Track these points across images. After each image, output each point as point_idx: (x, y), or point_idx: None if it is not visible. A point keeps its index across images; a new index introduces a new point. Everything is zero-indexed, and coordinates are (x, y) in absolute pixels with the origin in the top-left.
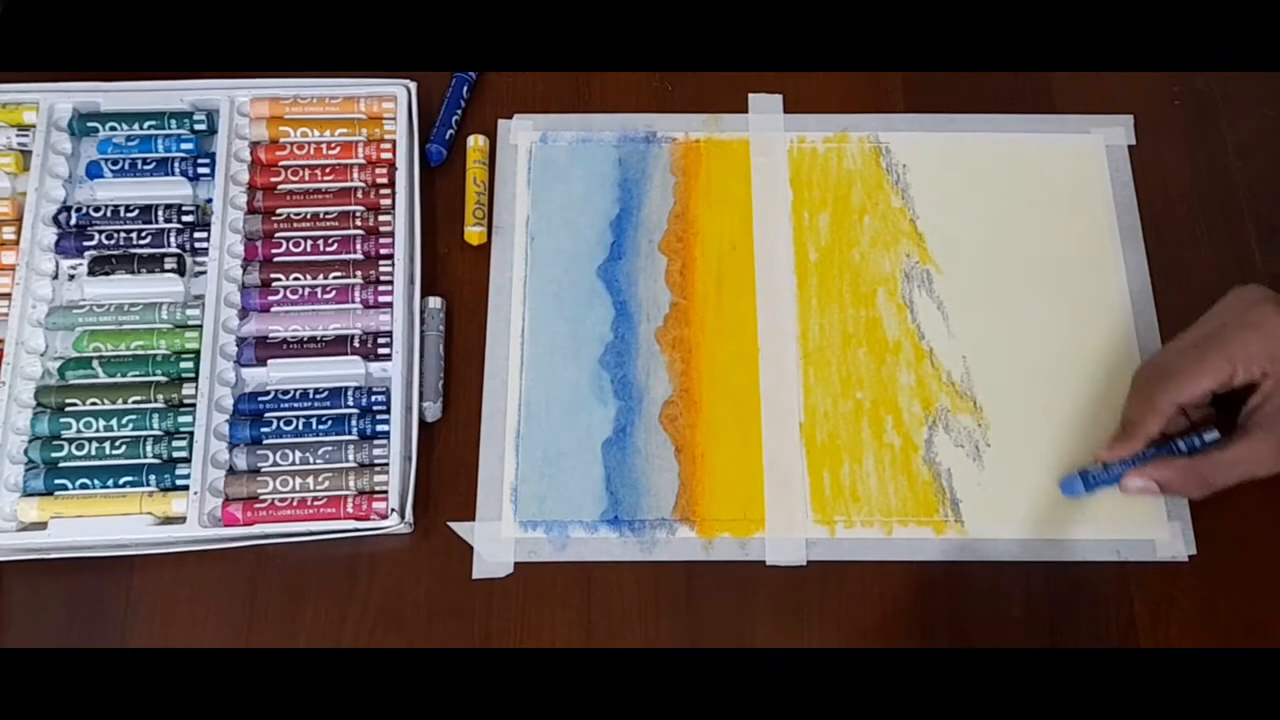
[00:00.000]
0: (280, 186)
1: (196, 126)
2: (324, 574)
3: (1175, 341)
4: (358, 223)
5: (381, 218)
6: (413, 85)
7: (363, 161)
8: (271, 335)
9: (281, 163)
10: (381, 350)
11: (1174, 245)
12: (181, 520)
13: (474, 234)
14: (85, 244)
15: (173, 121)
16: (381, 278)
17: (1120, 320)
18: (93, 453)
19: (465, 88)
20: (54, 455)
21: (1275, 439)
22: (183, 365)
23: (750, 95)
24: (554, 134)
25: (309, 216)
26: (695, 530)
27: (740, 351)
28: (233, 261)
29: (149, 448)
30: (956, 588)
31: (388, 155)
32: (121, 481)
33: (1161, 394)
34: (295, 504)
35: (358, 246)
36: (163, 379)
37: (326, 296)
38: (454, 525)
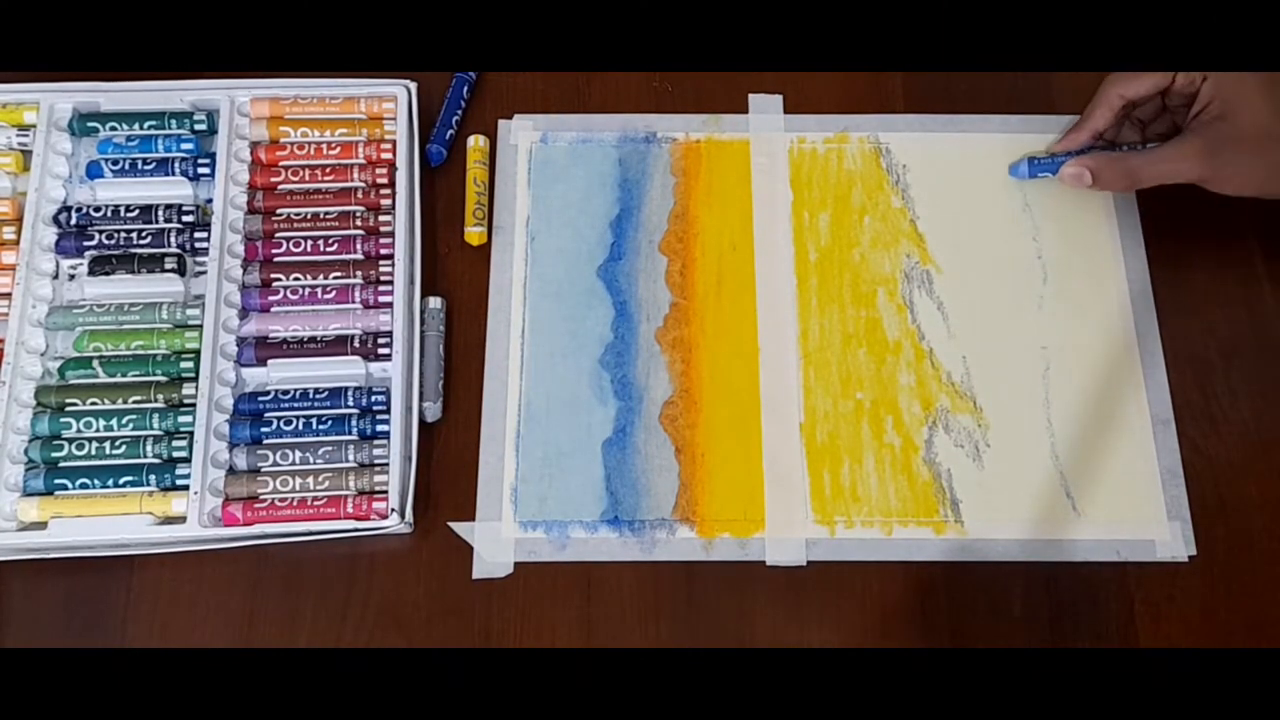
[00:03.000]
0: (280, 186)
1: (197, 126)
2: (324, 574)
3: None
4: (358, 223)
5: (382, 218)
6: (413, 85)
7: (363, 162)
8: (272, 335)
9: (282, 163)
10: (381, 350)
11: (1174, 245)
12: (182, 520)
13: (474, 234)
14: (85, 244)
15: (173, 121)
16: (382, 278)
17: (1120, 320)
18: (93, 452)
19: (465, 88)
20: (54, 455)
21: (1201, 143)
22: (183, 365)
23: (750, 95)
24: (554, 134)
25: (309, 216)
26: (695, 530)
27: (740, 352)
28: (233, 261)
29: (149, 447)
30: (956, 588)
31: (388, 155)
32: (122, 481)
33: (1112, 86)
34: (295, 504)
35: (358, 246)
36: (163, 379)
37: (327, 296)
38: (454, 525)
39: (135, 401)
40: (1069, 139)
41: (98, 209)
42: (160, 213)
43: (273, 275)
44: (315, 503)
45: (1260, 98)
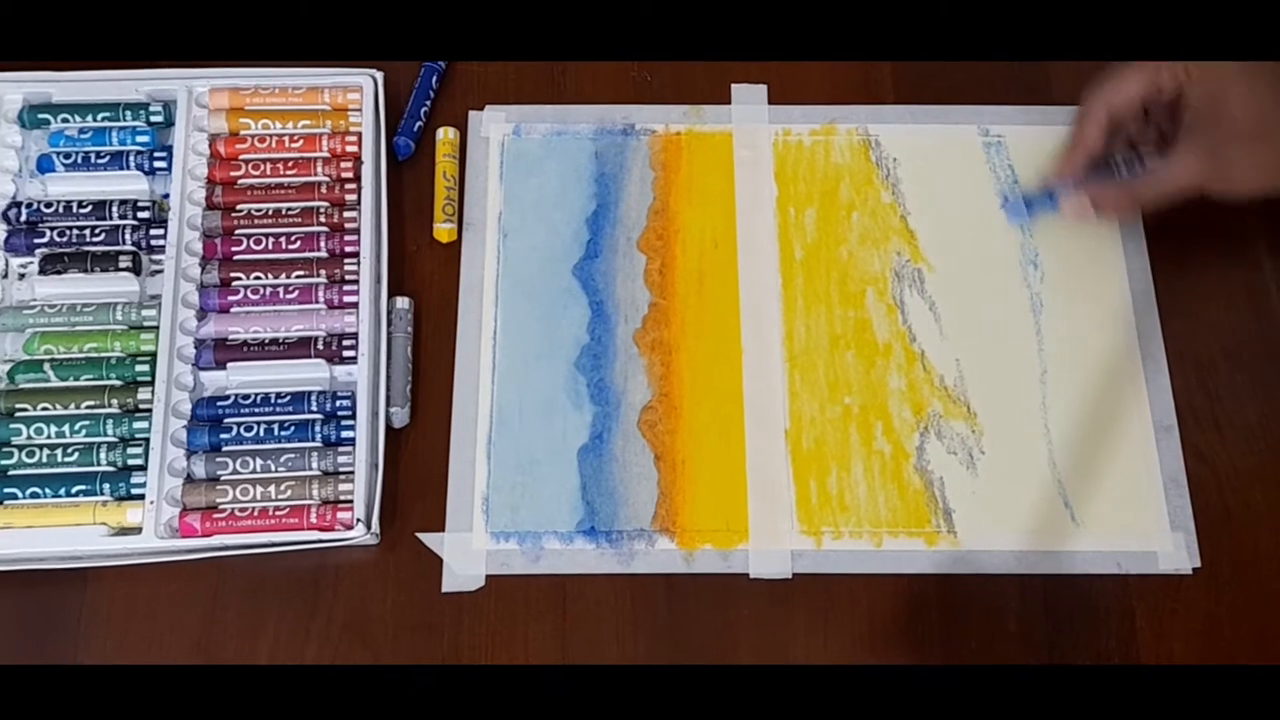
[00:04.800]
0: (240, 181)
1: (153, 118)
2: (286, 587)
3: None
4: (322, 219)
5: (347, 214)
6: (379, 75)
7: (327, 155)
8: (231, 337)
9: (242, 156)
10: (347, 353)
11: (1177, 243)
12: (137, 531)
13: (443, 231)
14: (36, 241)
15: (128, 113)
16: (347, 277)
17: (1121, 321)
18: (44, 460)
19: (434, 78)
20: (3, 463)
21: (1197, 149)
22: (138, 368)
23: (733, 85)
24: (527, 126)
25: (270, 212)
26: (675, 541)
27: (722, 354)
28: (191, 260)
29: (103, 455)
30: (949, 602)
31: (353, 148)
32: (74, 490)
33: (1094, 99)
34: (256, 514)
35: (322, 244)
36: (117, 383)
37: (289, 296)
38: (422, 536)
39: (88, 407)
40: (1063, 165)
41: (49, 205)
42: (114, 208)
43: (232, 274)
44: (277, 513)
45: (1245, 88)
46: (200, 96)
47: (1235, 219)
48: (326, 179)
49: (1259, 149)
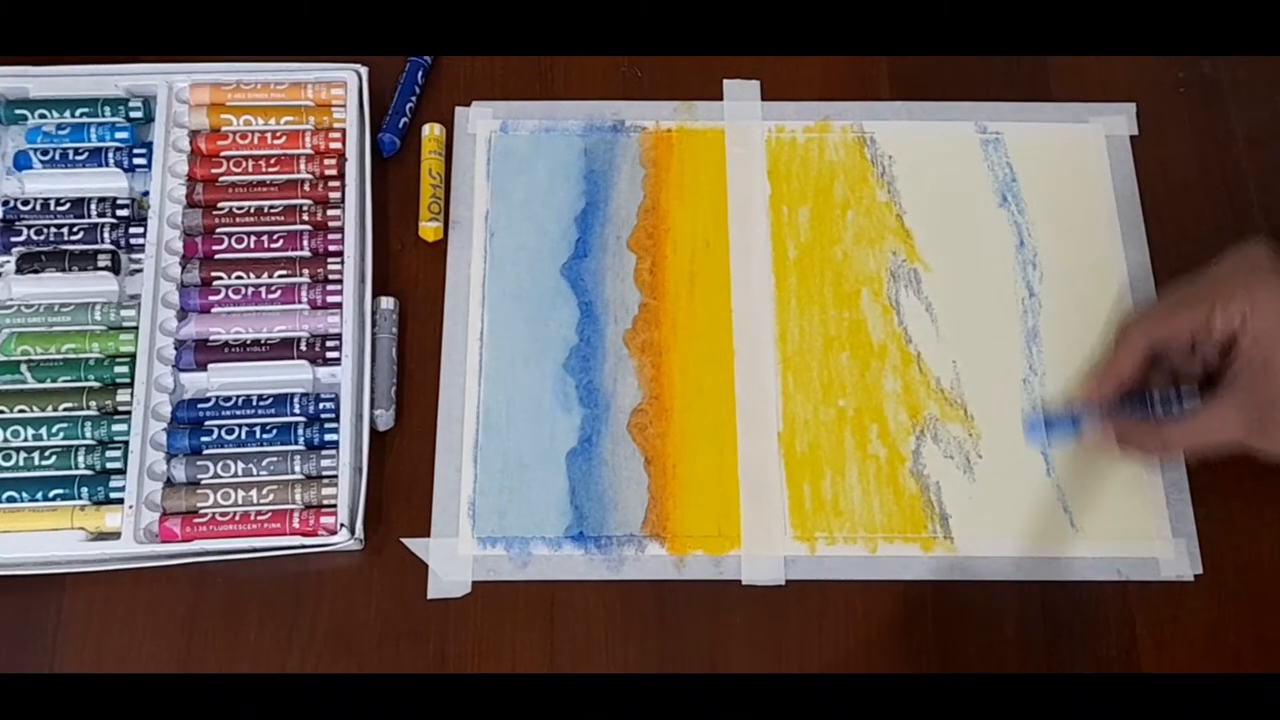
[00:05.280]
0: (222, 178)
1: (132, 114)
2: (268, 594)
3: (1164, 289)
4: (305, 217)
5: (330, 212)
6: (364, 70)
7: (310, 152)
8: (212, 338)
9: (223, 153)
10: (330, 354)
11: (1179, 243)
12: (116, 536)
13: (429, 229)
14: (13, 240)
15: (107, 109)
16: (330, 276)
17: None
18: (20, 464)
19: (420, 73)
20: None
21: (1242, 403)
22: (117, 370)
23: (725, 81)
24: (515, 123)
25: (253, 211)
26: (666, 547)
27: (714, 356)
28: (171, 259)
29: (81, 458)
30: (946, 609)
31: (337, 145)
32: (51, 494)
33: (1135, 329)
34: (237, 519)
35: (305, 243)
36: (96, 384)
37: (271, 296)
38: (407, 542)
39: (66, 409)
40: (1091, 388)
41: (26, 202)
42: (93, 206)
43: (213, 273)
44: (259, 517)
45: None
46: (181, 92)
47: (1239, 214)
48: (310, 176)
49: None
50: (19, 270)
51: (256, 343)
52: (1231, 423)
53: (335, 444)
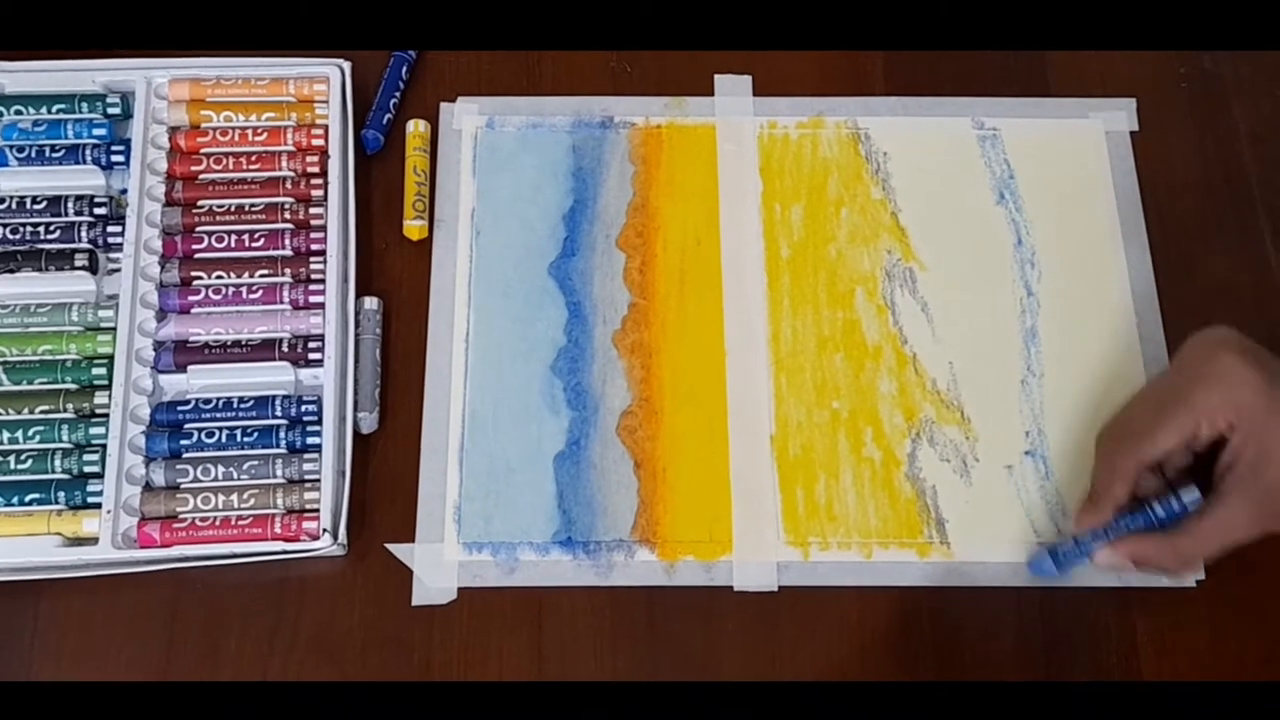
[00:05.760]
0: (202, 176)
1: (110, 110)
2: (249, 600)
3: (1137, 396)
4: (286, 216)
5: (312, 210)
6: (347, 65)
7: (292, 149)
8: (192, 339)
9: (203, 150)
10: (312, 355)
11: (1181, 241)
12: (93, 541)
13: (414, 228)
14: None
15: (84, 105)
16: (312, 276)
17: (1122, 323)
18: None
19: (404, 68)
20: None
21: (1250, 501)
22: (95, 372)
23: (716, 76)
24: (501, 118)
25: (233, 209)
26: (656, 553)
27: (705, 357)
28: (150, 258)
29: (57, 462)
30: (942, 616)
31: (319, 142)
32: (27, 499)
33: (1124, 456)
34: (218, 524)
35: (286, 242)
36: (73, 387)
37: (252, 296)
38: (392, 547)
39: (42, 411)
40: (1089, 516)
41: (1, 200)
42: (70, 204)
43: (193, 273)
44: (240, 522)
45: None
46: (159, 88)
47: (1242, 212)
48: (291, 174)
49: None
50: None
51: (237, 344)
52: (1241, 521)
53: (318, 447)
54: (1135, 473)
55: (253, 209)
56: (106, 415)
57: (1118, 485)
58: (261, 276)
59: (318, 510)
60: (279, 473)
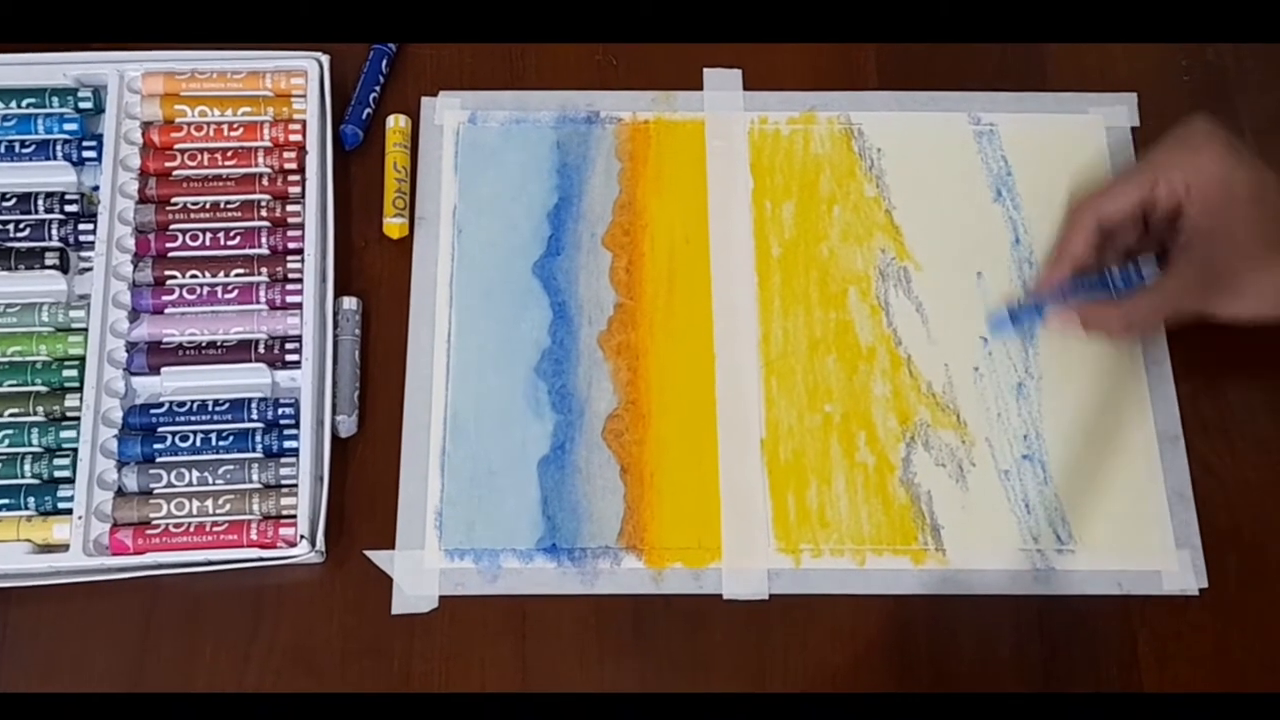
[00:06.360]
0: (176, 172)
1: (81, 105)
2: (224, 609)
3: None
4: (263, 213)
5: (290, 208)
6: (325, 59)
7: (269, 144)
8: (166, 340)
9: (177, 145)
10: (290, 357)
11: None
12: (64, 548)
13: (394, 226)
14: None
15: (55, 99)
16: (290, 275)
17: None
18: None
19: (384, 61)
20: None
21: (1196, 272)
22: (65, 374)
23: (705, 70)
24: (484, 113)
25: (208, 206)
26: (643, 560)
27: (694, 359)
28: (122, 257)
29: (27, 467)
30: (937, 625)
31: (297, 137)
32: None
33: (1083, 210)
34: (192, 530)
35: (263, 240)
36: (43, 389)
37: (228, 296)
38: (371, 554)
39: (11, 415)
40: (1048, 275)
41: None
42: (40, 202)
43: (167, 272)
44: (214, 529)
45: (1252, 206)
46: (133, 81)
47: None
48: (268, 170)
49: (1264, 271)
50: None
51: (212, 345)
52: (1187, 289)
53: (295, 451)
54: (1093, 226)
55: (228, 206)
56: (77, 418)
57: (1076, 238)
58: (237, 276)
59: (295, 516)
60: (255, 478)
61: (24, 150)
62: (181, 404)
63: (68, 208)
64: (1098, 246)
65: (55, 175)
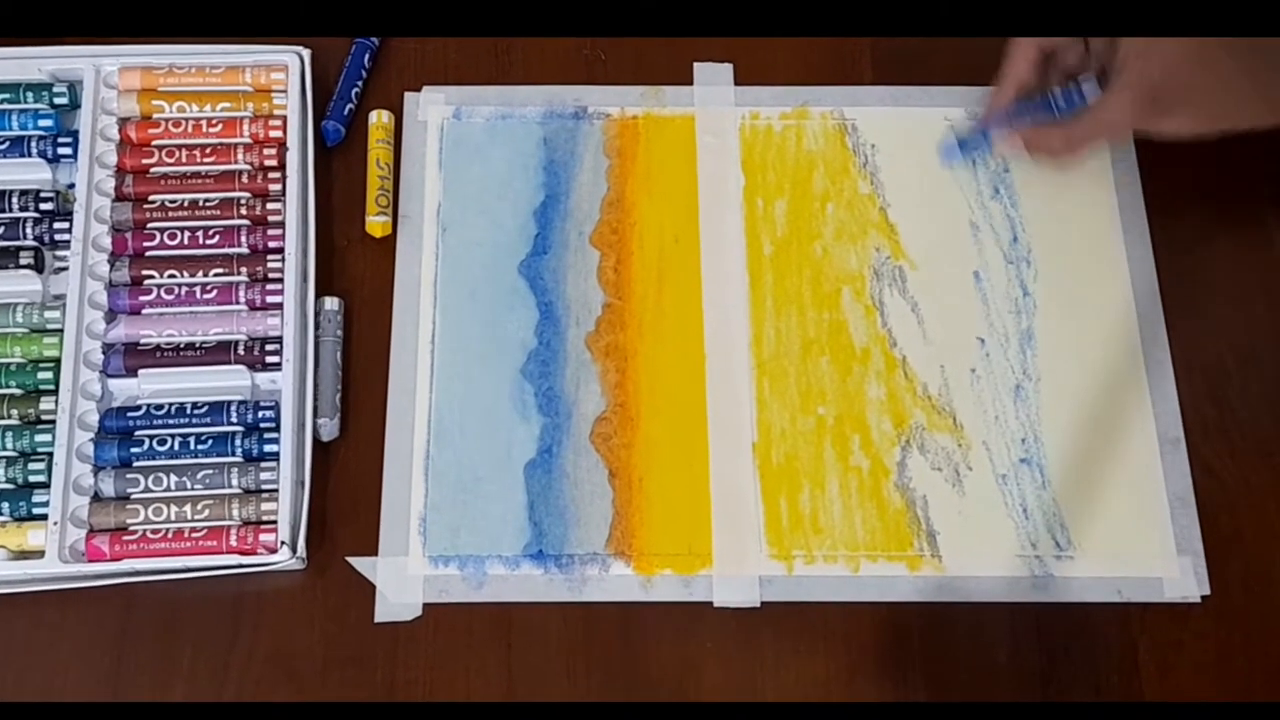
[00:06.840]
0: (153, 169)
1: (57, 100)
2: (203, 616)
3: None
4: (243, 211)
5: (270, 205)
6: (306, 53)
7: (248, 141)
8: (143, 341)
9: (155, 142)
10: (270, 358)
11: (1184, 238)
12: (39, 555)
13: (377, 224)
14: None
15: (29, 94)
16: (270, 275)
17: (1123, 324)
18: None
19: (367, 56)
20: None
21: (1134, 90)
22: (40, 376)
23: (696, 64)
24: (469, 109)
25: (187, 204)
26: (632, 566)
27: (684, 360)
28: (98, 256)
29: (1, 471)
30: (933, 632)
31: (277, 134)
32: None
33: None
34: (170, 536)
35: (243, 239)
36: (17, 392)
37: (207, 296)
38: (354, 561)
39: None
40: (993, 99)
41: None
42: (14, 200)
43: (144, 272)
44: (193, 535)
45: None
46: (109, 76)
47: (1248, 204)
48: (248, 167)
49: (1196, 89)
50: None
51: (191, 346)
52: (1125, 107)
53: (275, 455)
54: (1035, 50)
55: (207, 204)
56: (53, 422)
57: (1018, 58)
58: (216, 275)
59: (275, 522)
60: (235, 482)
61: None
62: (159, 407)
63: (43, 206)
64: (1040, 68)
65: (30, 172)
